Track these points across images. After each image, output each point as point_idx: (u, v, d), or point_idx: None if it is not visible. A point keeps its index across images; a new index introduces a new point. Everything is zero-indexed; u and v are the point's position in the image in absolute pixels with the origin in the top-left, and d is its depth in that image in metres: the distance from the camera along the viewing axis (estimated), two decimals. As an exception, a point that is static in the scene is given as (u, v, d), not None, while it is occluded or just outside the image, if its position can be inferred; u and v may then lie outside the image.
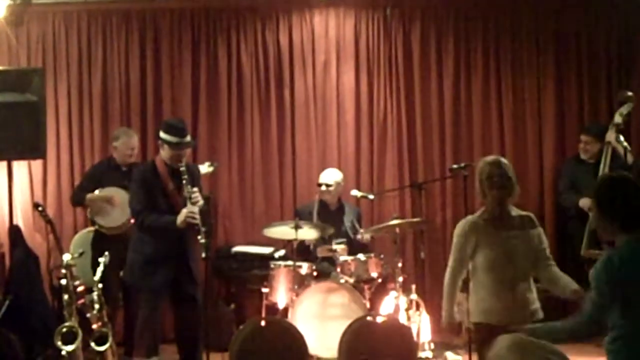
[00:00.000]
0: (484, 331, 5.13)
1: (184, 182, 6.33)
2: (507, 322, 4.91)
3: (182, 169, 6.35)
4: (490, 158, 5.30)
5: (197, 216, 6.27)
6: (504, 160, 5.27)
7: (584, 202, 7.71)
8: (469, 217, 5.32)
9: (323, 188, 8.04)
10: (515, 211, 5.26)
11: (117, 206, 7.51)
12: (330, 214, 8.07)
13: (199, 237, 6.30)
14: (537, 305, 5.17)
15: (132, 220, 7.24)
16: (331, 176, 8.11)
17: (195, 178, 6.58)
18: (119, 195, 7.52)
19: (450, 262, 5.31)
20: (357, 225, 8.00)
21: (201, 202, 6.41)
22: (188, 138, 6.52)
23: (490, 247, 5.09)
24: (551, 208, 8.49)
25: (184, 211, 6.29)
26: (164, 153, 6.48)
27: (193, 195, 6.32)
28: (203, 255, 6.43)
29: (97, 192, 7.64)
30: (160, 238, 6.44)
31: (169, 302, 6.65)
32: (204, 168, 7.75)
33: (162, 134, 6.49)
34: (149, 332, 6.51)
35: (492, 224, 5.15)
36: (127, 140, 7.75)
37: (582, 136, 8.19)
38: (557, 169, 8.52)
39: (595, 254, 5.91)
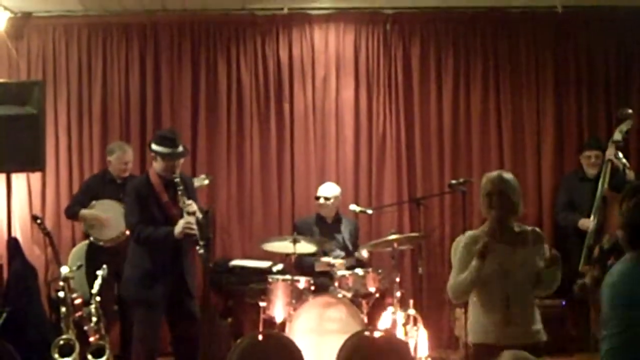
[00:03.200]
0: (482, 351, 4.97)
1: (179, 193, 6.30)
2: (504, 342, 4.62)
3: (177, 180, 6.33)
4: (492, 175, 5.10)
5: (195, 226, 6.24)
6: (507, 176, 5.05)
7: (583, 223, 7.73)
8: (470, 232, 5.21)
9: (322, 201, 8.09)
10: (518, 227, 5.09)
11: (110, 221, 7.55)
12: (327, 227, 8.12)
13: (198, 247, 6.28)
14: (539, 326, 4.98)
15: (128, 232, 7.31)
16: (330, 190, 8.15)
17: (189, 190, 6.53)
18: (113, 210, 7.55)
19: (452, 273, 5.09)
20: (355, 242, 8.06)
21: (198, 212, 6.37)
22: (180, 148, 6.48)
23: (488, 262, 4.87)
24: (550, 224, 8.50)
25: (181, 222, 6.25)
26: (157, 165, 6.45)
27: (189, 207, 6.29)
28: (203, 263, 6.44)
29: (93, 202, 7.68)
30: (156, 251, 6.39)
31: (167, 318, 6.60)
32: (199, 181, 7.78)
33: (153, 146, 6.45)
34: (146, 348, 6.46)
35: (496, 238, 4.97)
36: (121, 155, 7.82)
37: (589, 151, 8.14)
38: (556, 185, 8.54)
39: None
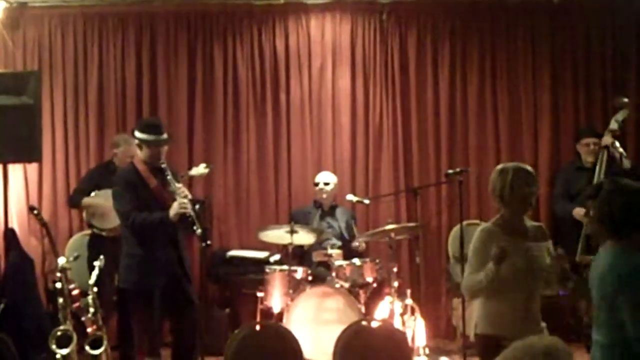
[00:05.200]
0: (491, 343, 4.72)
1: (167, 178, 6.29)
2: (519, 336, 4.50)
3: (164, 165, 6.33)
4: (517, 166, 5.00)
5: (189, 206, 6.22)
6: (530, 169, 5.01)
7: (578, 212, 7.70)
8: (485, 226, 5.03)
9: (321, 186, 8.15)
10: (527, 221, 5.04)
11: (112, 210, 7.49)
12: (324, 214, 8.19)
13: (195, 227, 6.23)
14: (544, 324, 4.94)
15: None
16: (328, 176, 8.25)
17: (177, 179, 6.51)
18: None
19: (467, 269, 4.97)
20: (354, 229, 8.12)
21: (190, 195, 6.38)
22: (165, 135, 6.47)
23: (513, 257, 4.75)
24: (546, 214, 8.48)
25: (175, 204, 6.21)
26: (142, 153, 6.44)
27: (180, 190, 6.27)
28: (203, 244, 6.48)
29: (93, 194, 7.67)
30: (152, 239, 6.35)
31: (166, 305, 6.49)
32: (200, 169, 7.73)
33: (138, 134, 6.44)
34: (149, 334, 6.43)
35: (509, 233, 4.88)
36: (126, 148, 7.72)
37: (587, 139, 8.07)
38: (553, 175, 8.51)
39: (589, 260, 5.93)
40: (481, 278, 4.79)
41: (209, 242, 6.64)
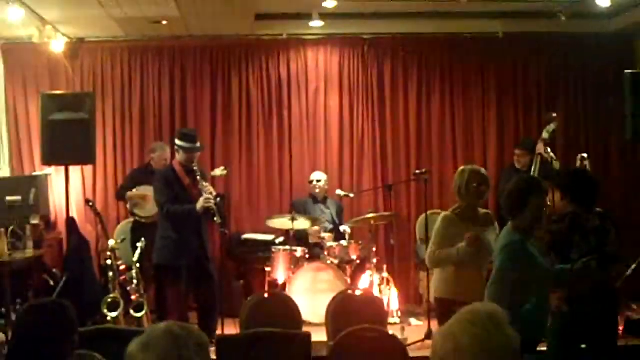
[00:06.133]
0: (447, 305, 4.87)
1: (198, 178, 6.39)
2: (469, 300, 4.44)
3: (195, 168, 6.43)
4: (475, 168, 5.11)
5: (212, 202, 6.31)
6: (484, 171, 5.13)
7: None
8: (446, 214, 5.11)
9: (314, 183, 8.16)
10: (480, 210, 5.13)
11: (149, 201, 7.53)
12: (318, 204, 8.20)
13: (215, 218, 6.33)
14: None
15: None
16: (320, 175, 8.27)
17: (205, 179, 6.61)
18: (152, 192, 7.58)
19: (431, 247, 5.06)
20: (341, 219, 8.16)
21: (214, 192, 6.47)
22: (198, 144, 6.59)
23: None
24: (493, 208, 8.45)
25: (201, 199, 6.32)
26: (179, 156, 6.54)
27: (207, 188, 6.38)
28: (221, 230, 6.63)
29: (135, 190, 7.74)
30: (182, 225, 6.45)
31: (191, 279, 6.63)
32: (219, 171, 7.76)
33: (177, 141, 6.55)
34: (179, 302, 6.56)
35: (465, 220, 4.99)
36: (161, 153, 7.85)
37: (516, 150, 8.15)
38: (498, 174, 8.48)
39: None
40: (453, 253, 4.87)
41: (226, 231, 6.72)
